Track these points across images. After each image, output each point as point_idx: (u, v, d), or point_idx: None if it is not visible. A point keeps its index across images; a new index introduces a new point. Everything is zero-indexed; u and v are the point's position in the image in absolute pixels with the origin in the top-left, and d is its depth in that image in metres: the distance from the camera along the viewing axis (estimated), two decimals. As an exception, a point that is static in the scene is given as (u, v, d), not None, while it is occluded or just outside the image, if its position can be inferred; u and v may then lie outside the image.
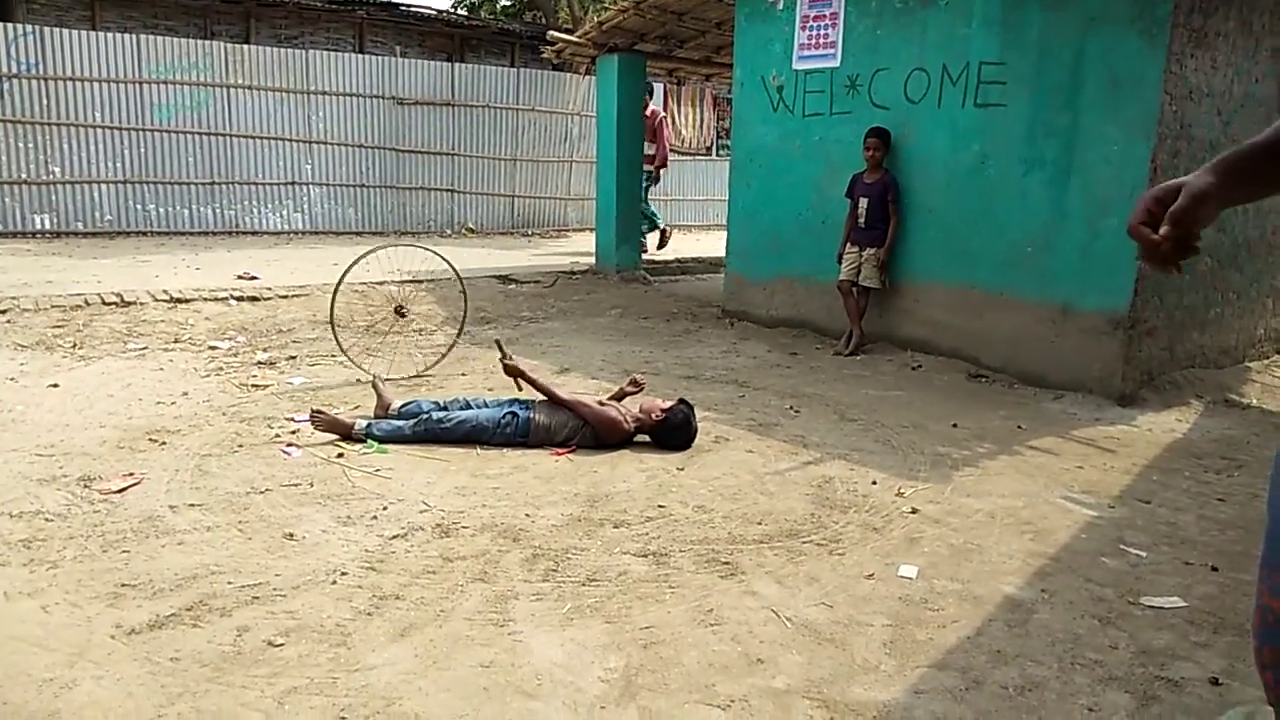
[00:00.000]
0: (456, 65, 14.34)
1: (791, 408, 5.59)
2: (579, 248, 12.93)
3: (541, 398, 4.82)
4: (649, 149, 11.98)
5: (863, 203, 6.98)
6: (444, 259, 6.21)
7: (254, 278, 8.67)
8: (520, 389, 5.03)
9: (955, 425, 5.29)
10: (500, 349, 5.06)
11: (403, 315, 6.30)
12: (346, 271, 5.86)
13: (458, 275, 6.33)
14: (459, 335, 6.60)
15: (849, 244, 7.14)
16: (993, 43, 6.31)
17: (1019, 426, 5.35)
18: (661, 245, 12.70)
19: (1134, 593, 3.31)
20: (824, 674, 2.70)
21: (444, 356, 6.26)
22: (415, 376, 5.95)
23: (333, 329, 5.98)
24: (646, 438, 4.80)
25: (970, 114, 6.47)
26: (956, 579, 3.35)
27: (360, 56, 13.56)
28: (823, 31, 7.33)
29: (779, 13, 7.67)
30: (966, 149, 6.51)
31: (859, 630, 2.96)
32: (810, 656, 2.80)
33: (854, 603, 3.14)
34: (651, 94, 12.10)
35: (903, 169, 6.90)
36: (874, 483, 4.31)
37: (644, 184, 11.97)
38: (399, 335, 6.52)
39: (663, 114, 12.52)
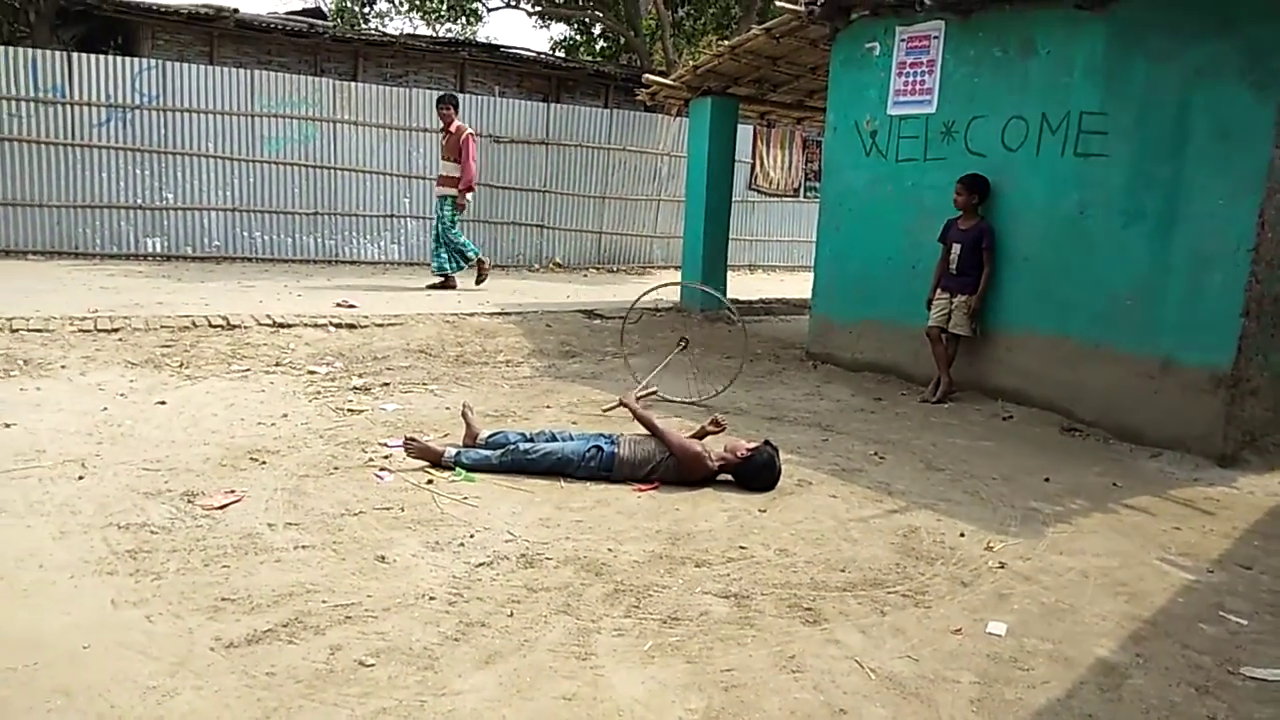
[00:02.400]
0: (552, 105, 14.67)
1: (876, 454, 5.53)
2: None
3: (628, 434, 4.87)
4: (452, 170, 10.90)
5: (955, 249, 6.91)
6: (719, 296, 7.38)
7: (352, 306, 8.95)
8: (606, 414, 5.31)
9: (1047, 479, 5.17)
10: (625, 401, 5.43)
11: (685, 347, 6.98)
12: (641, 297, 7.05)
13: (734, 314, 7.40)
14: (741, 365, 7.08)
15: (939, 290, 7.06)
16: (1095, 92, 6.22)
17: (1114, 484, 5.20)
18: (480, 279, 11.25)
19: (1234, 662, 3.19)
20: (908, 728, 2.66)
21: (730, 385, 6.76)
22: (691, 403, 6.41)
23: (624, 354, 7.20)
24: (728, 477, 4.80)
25: (1070, 163, 6.37)
26: (1047, 639, 3.27)
27: (461, 96, 13.96)
28: (919, 78, 7.32)
29: (875, 59, 7.69)
30: (1065, 198, 6.41)
31: (945, 686, 2.91)
32: (895, 710, 2.76)
33: (940, 658, 3.09)
34: (456, 108, 11.11)
35: (998, 216, 6.82)
36: (962, 535, 4.23)
37: (449, 210, 10.93)
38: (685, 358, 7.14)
39: (469, 130, 11.08)
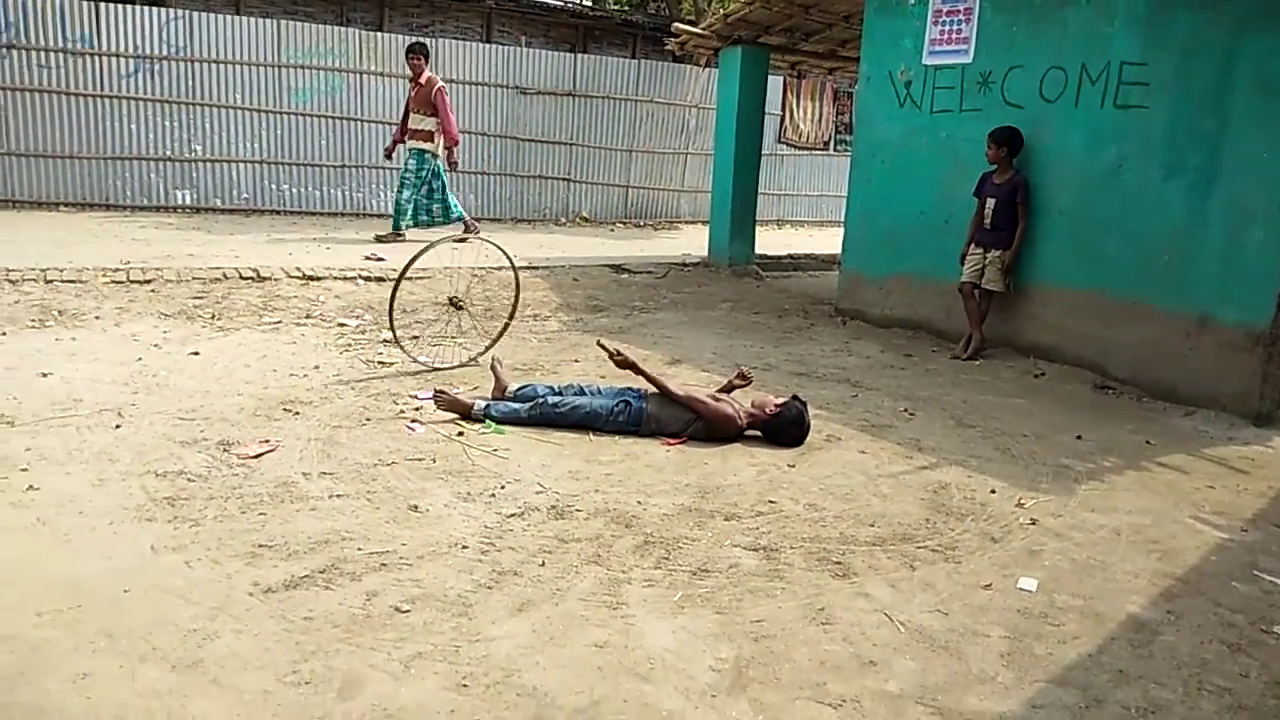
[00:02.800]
0: (579, 56, 14.50)
1: (906, 410, 5.51)
2: (691, 239, 12.95)
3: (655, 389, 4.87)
4: (427, 123, 10.26)
5: (989, 203, 6.81)
6: (503, 250, 6.17)
7: (380, 259, 8.97)
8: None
9: (1079, 437, 5.13)
10: (603, 347, 4.97)
11: (459, 308, 6.13)
12: (412, 261, 5.74)
13: (514, 267, 6.34)
14: (508, 323, 6.43)
15: (973, 245, 6.97)
16: (1136, 42, 6.07)
17: (1147, 442, 5.15)
18: (466, 231, 10.25)
19: (1267, 621, 3.17)
20: (938, 681, 2.67)
21: (492, 345, 6.09)
22: (461, 366, 5.83)
23: (390, 318, 5.77)
24: (756, 432, 4.80)
25: (1109, 115, 6.23)
26: (1078, 595, 3.27)
27: (487, 46, 13.85)
28: (956, 27, 7.17)
29: (910, 7, 7.53)
30: (1103, 151, 6.28)
31: (975, 640, 2.92)
32: (924, 663, 2.77)
33: (970, 612, 3.09)
34: (427, 58, 10.41)
35: (1034, 169, 6.70)
36: (993, 491, 4.22)
37: (428, 168, 10.34)
38: (451, 324, 6.37)
39: (440, 82, 10.38)
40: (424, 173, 10.46)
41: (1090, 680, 2.73)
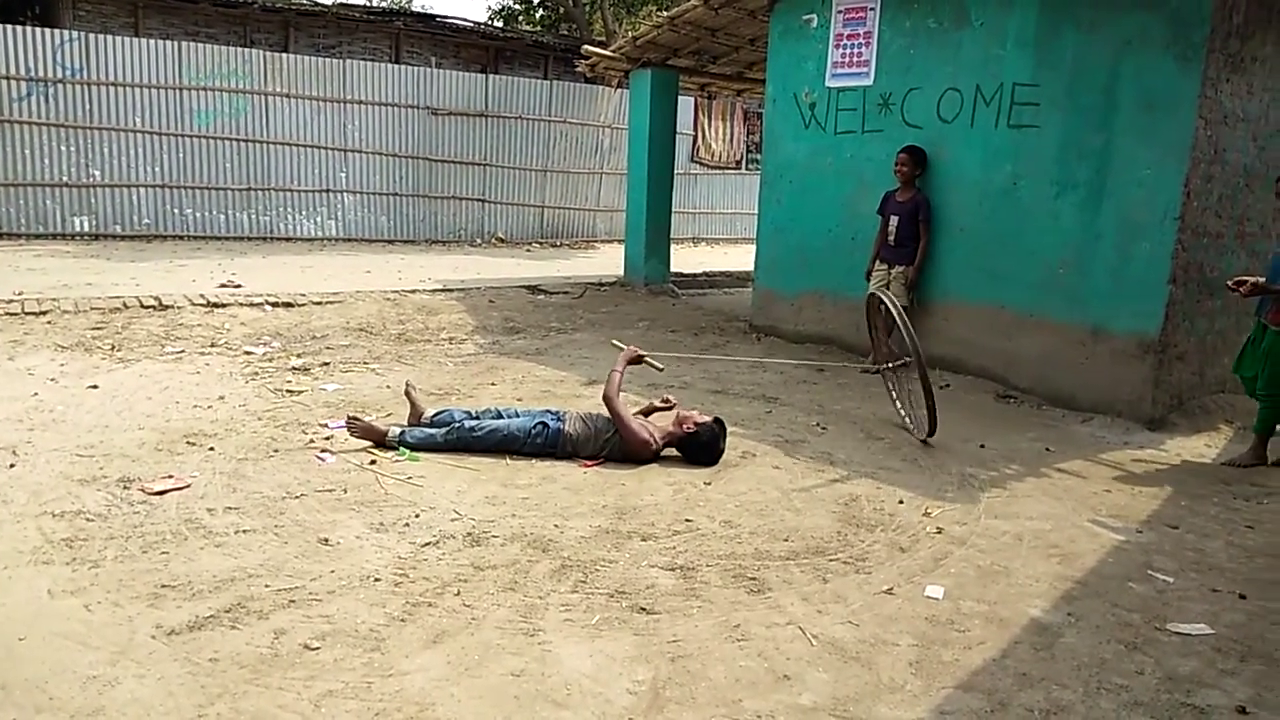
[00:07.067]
0: (490, 77, 14.49)
1: (818, 424, 5.61)
2: (608, 259, 13.00)
3: (574, 411, 4.88)
4: None
5: (893, 220, 7.00)
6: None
7: (238, 285, 8.58)
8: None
9: (983, 446, 5.29)
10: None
11: None
12: None
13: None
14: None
15: (878, 261, 7.15)
16: (1027, 64, 6.32)
17: (1047, 448, 5.34)
18: None
19: (1161, 619, 3.31)
20: (850, 692, 2.72)
21: None
22: None
23: None
24: (675, 450, 4.83)
25: (1003, 134, 6.47)
26: (983, 600, 3.37)
27: (396, 67, 13.73)
28: (856, 50, 7.36)
29: (813, 31, 7.71)
30: (999, 169, 6.52)
31: (885, 649, 2.98)
32: (836, 674, 2.82)
33: (880, 622, 3.16)
34: None
35: (934, 188, 6.91)
36: (900, 502, 4.32)
37: None
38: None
39: None
40: None
41: (995, 685, 2.81)
